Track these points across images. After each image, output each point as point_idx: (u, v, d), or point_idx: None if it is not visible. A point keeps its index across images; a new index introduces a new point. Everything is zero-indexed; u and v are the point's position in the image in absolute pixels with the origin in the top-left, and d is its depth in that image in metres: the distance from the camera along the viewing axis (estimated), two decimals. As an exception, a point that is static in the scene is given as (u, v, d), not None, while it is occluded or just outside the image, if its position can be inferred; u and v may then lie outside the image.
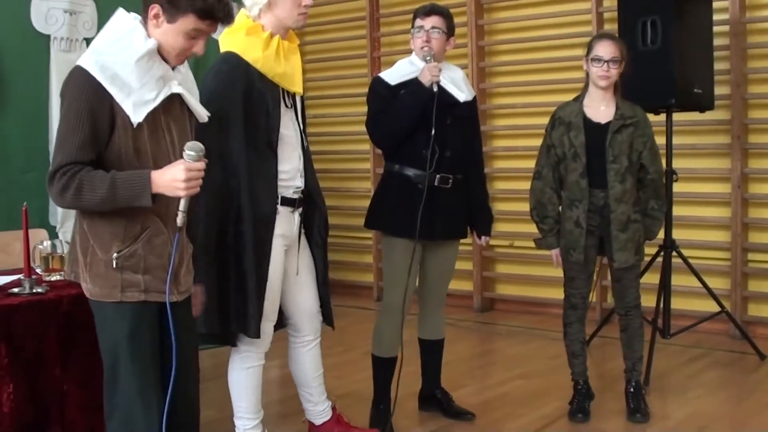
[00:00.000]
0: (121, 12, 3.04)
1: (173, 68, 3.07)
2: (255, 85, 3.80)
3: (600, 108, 4.70)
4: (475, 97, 4.81)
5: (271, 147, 3.84)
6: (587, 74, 4.75)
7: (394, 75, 4.62)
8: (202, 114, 3.24)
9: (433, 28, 4.56)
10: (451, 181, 4.60)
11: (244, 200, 3.77)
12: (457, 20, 7.69)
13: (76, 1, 6.10)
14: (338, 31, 8.71)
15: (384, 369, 4.69)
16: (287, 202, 3.93)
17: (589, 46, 4.75)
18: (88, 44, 5.79)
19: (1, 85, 5.81)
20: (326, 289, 4.24)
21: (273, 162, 3.85)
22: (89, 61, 2.91)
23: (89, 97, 2.86)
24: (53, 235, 5.68)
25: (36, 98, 5.94)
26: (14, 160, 5.81)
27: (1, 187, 5.81)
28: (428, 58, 4.51)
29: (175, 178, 2.86)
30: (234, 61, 3.81)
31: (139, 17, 3.01)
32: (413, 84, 4.48)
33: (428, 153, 4.48)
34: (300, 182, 4.00)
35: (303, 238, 4.11)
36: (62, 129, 2.88)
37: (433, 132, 4.45)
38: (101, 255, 2.96)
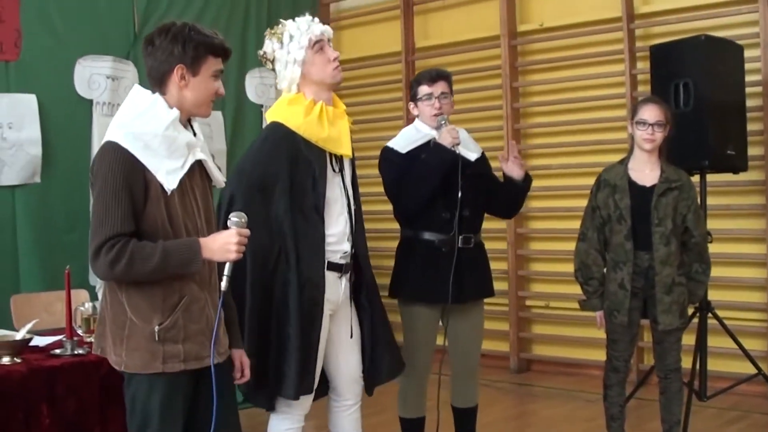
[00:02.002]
0: (137, 87, 3.16)
1: (193, 134, 3.17)
2: (301, 152, 3.87)
3: (645, 171, 4.75)
4: (483, 153, 4.84)
5: (318, 211, 3.90)
6: (632, 137, 4.81)
7: (402, 143, 4.67)
8: (220, 179, 3.33)
9: (442, 94, 4.63)
10: (472, 240, 4.63)
11: (290, 264, 3.81)
12: (492, 83, 7.94)
13: (118, 66, 6.27)
14: (375, 94, 8.83)
15: (412, 430, 4.71)
16: (333, 267, 3.96)
17: (635, 110, 4.82)
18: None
19: (46, 149, 5.96)
20: (382, 350, 4.19)
21: (320, 226, 3.90)
22: (119, 134, 2.99)
23: (124, 169, 2.93)
24: (93, 295, 5.76)
25: (79, 161, 6.08)
26: (57, 221, 5.97)
27: (45, 248, 5.96)
28: (443, 122, 4.57)
29: (228, 242, 2.98)
30: (278, 129, 3.90)
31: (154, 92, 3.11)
32: (435, 147, 4.52)
33: (452, 215, 4.52)
34: (347, 246, 4.03)
35: (351, 302, 4.13)
36: (101, 204, 2.94)
37: (459, 194, 4.49)
38: (141, 328, 2.99)
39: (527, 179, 4.75)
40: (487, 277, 4.81)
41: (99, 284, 6.02)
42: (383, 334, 4.24)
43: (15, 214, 5.99)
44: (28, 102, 5.98)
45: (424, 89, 4.65)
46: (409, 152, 4.61)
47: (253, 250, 3.42)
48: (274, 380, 3.82)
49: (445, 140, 4.50)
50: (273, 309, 3.83)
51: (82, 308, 4.24)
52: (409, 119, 8.41)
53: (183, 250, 2.96)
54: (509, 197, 4.82)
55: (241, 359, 3.38)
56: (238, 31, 7.37)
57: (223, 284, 3.00)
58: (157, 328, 2.98)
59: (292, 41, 3.95)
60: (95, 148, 6.09)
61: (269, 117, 4.03)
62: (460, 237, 4.56)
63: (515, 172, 4.66)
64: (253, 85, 7.45)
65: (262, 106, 7.40)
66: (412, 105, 4.74)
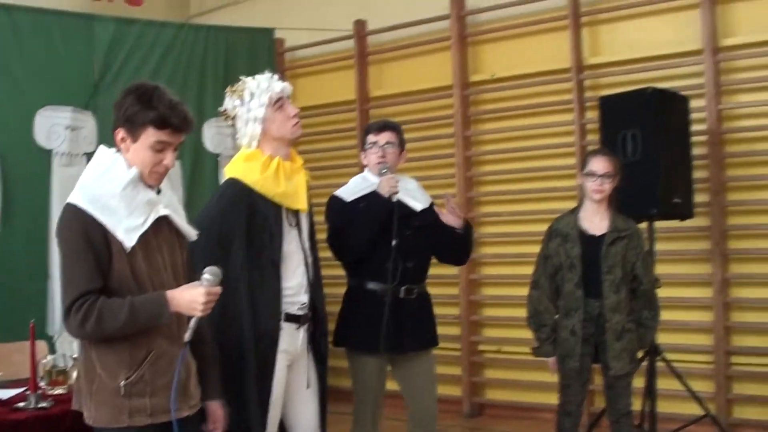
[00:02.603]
0: (102, 148, 3.23)
1: (157, 191, 3.23)
2: (257, 207, 3.97)
3: (595, 221, 4.91)
4: (432, 204, 4.92)
5: (275, 265, 3.99)
6: (582, 188, 4.96)
7: (348, 191, 4.78)
8: (191, 233, 3.39)
9: (387, 143, 4.75)
10: (415, 291, 4.72)
11: (245, 318, 3.89)
12: (444, 131, 8.06)
13: (78, 116, 6.35)
14: (330, 141, 8.92)
15: None
16: (291, 318, 4.05)
17: (584, 161, 5.00)
18: (88, 158, 6.09)
19: (5, 199, 6.00)
20: (324, 405, 4.30)
21: (276, 280, 3.99)
22: (78, 196, 3.07)
23: (85, 230, 3.01)
24: (51, 346, 5.78)
25: (39, 212, 6.15)
26: (17, 270, 5.99)
27: (3, 297, 5.97)
28: (384, 170, 4.66)
29: (195, 299, 3.04)
30: (235, 185, 4.00)
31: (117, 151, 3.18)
32: (372, 196, 4.62)
33: (395, 265, 4.60)
34: (305, 298, 4.12)
35: (309, 353, 4.21)
36: (67, 265, 3.03)
37: (394, 243, 4.58)
38: (108, 383, 3.05)
39: (467, 227, 4.84)
40: (429, 328, 4.88)
41: (57, 334, 6.06)
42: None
43: (-25, 264, 6.01)
44: (-12, 153, 6.04)
45: (370, 138, 4.79)
46: (353, 201, 4.71)
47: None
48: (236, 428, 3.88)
49: (383, 189, 4.60)
50: (230, 363, 3.84)
51: (44, 361, 4.26)
52: (362, 167, 8.58)
53: (150, 304, 3.03)
54: (453, 245, 4.91)
55: (216, 411, 3.43)
56: (196, 80, 7.46)
57: (186, 336, 3.07)
58: (123, 383, 3.03)
59: (253, 99, 4.05)
60: (55, 198, 6.18)
61: (227, 173, 4.12)
62: (402, 288, 4.66)
63: (452, 221, 4.75)
64: (210, 135, 7.54)
65: (218, 155, 7.49)
66: (362, 154, 4.86)
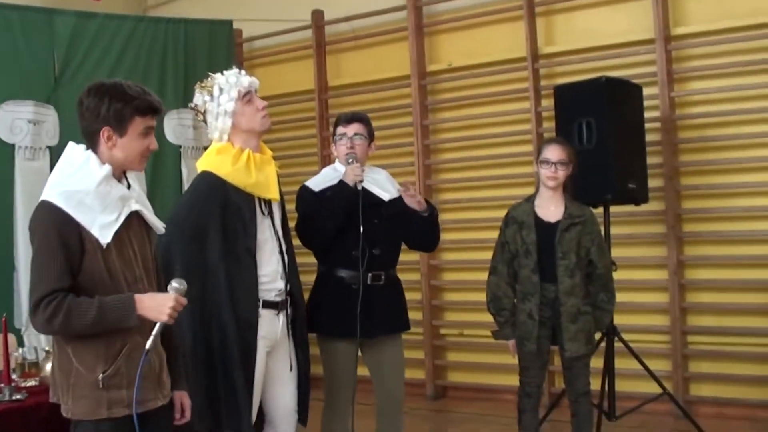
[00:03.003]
0: (72, 145, 3.30)
1: (128, 186, 3.32)
2: (230, 198, 4.08)
3: (550, 208, 5.04)
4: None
5: (250, 254, 4.10)
6: (537, 175, 5.08)
7: (318, 181, 4.88)
8: (159, 226, 3.48)
9: (355, 134, 4.85)
10: (383, 277, 4.82)
11: (225, 307, 4.00)
12: (403, 120, 8.16)
13: (39, 111, 6.38)
14: (289, 131, 8.98)
15: None
16: (269, 305, 4.18)
17: (539, 150, 5.12)
18: (51, 152, 6.17)
19: (-33, 193, 6.05)
20: (307, 387, 4.43)
21: (252, 268, 4.11)
22: (53, 194, 3.14)
23: (59, 227, 3.09)
24: (20, 338, 5.83)
25: (2, 205, 6.18)
26: (-20, 265, 6.02)
27: (-31, 290, 6.01)
28: (351, 160, 4.76)
29: (164, 304, 3.14)
30: (208, 178, 4.11)
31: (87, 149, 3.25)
32: (339, 184, 4.73)
33: (359, 253, 4.71)
34: (281, 284, 4.25)
35: (289, 337, 4.33)
36: (38, 262, 3.10)
37: (361, 230, 4.68)
38: (86, 376, 3.13)
39: (431, 210, 4.94)
40: (399, 313, 4.99)
41: (24, 327, 6.11)
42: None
43: (-61, 257, 6.05)
44: (-49, 147, 6.08)
45: (339, 129, 4.89)
46: (321, 190, 4.80)
47: (190, 297, 3.62)
48: (227, 418, 3.99)
49: (348, 178, 4.71)
50: (215, 353, 4.00)
51: (15, 354, 4.33)
52: (323, 155, 8.68)
53: (118, 306, 3.10)
54: (422, 232, 5.01)
55: (182, 400, 3.52)
56: (156, 72, 7.51)
57: (149, 343, 3.13)
58: (101, 376, 3.12)
59: (222, 94, 4.18)
60: (18, 192, 6.22)
61: (199, 166, 4.24)
62: (369, 274, 4.75)
63: (414, 205, 4.85)
64: (171, 126, 7.59)
65: (180, 146, 7.54)
66: (332, 146, 4.97)
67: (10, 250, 6.18)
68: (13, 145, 6.29)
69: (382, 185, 4.94)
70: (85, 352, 3.13)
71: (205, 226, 4.04)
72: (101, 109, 3.18)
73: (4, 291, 6.21)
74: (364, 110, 5.00)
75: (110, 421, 3.13)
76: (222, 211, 4.07)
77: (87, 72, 6.80)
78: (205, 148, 7.26)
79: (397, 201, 4.95)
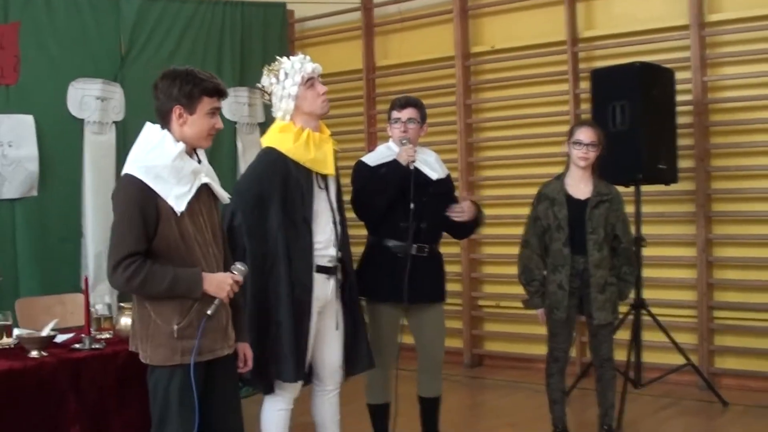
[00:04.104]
0: (148, 125, 3.69)
1: (198, 161, 3.72)
2: (291, 173, 4.47)
3: (580, 186, 5.36)
4: (448, 175, 5.38)
5: (307, 222, 4.50)
6: (568, 156, 5.41)
7: (373, 158, 5.24)
8: (225, 196, 3.90)
9: (409, 119, 5.18)
10: (427, 250, 5.17)
11: (282, 269, 4.40)
12: (446, 100, 8.49)
13: (107, 88, 6.76)
14: (338, 108, 9.22)
15: (378, 414, 5.27)
16: (322, 269, 4.56)
17: (571, 132, 5.43)
18: (116, 127, 6.56)
19: (42, 164, 6.44)
20: (360, 344, 4.81)
21: (308, 235, 4.50)
22: (134, 168, 3.55)
23: (139, 198, 3.50)
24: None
25: (72, 176, 6.55)
26: (52, 230, 6.41)
27: (41, 255, 6.42)
28: (404, 141, 5.11)
29: (225, 283, 3.60)
30: (271, 153, 4.51)
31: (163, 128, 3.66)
32: (392, 164, 5.08)
33: (409, 226, 5.06)
34: (333, 251, 4.63)
35: (338, 300, 4.72)
36: (120, 227, 3.51)
37: (412, 206, 5.03)
38: (163, 327, 3.54)
39: (478, 218, 5.29)
40: (438, 284, 5.32)
41: (91, 289, 6.52)
42: (363, 331, 4.87)
43: (15, 224, 6.47)
44: (27, 122, 6.47)
45: (394, 114, 5.23)
46: (376, 166, 5.17)
47: (252, 257, 4.04)
48: (274, 366, 4.41)
49: (401, 158, 5.07)
50: (270, 306, 4.40)
51: (92, 309, 4.76)
52: (369, 132, 9.03)
53: (188, 280, 3.53)
54: (461, 230, 5.39)
55: (245, 351, 3.94)
56: (214, 53, 7.80)
57: (210, 311, 3.56)
58: (176, 327, 3.54)
59: (287, 78, 4.55)
60: (87, 164, 6.61)
61: (264, 142, 4.63)
62: (415, 246, 5.11)
63: (459, 218, 5.18)
64: (227, 104, 7.88)
65: (235, 123, 7.86)
66: (388, 127, 5.31)
67: (78, 218, 6.55)
68: (82, 120, 6.59)
69: (432, 166, 5.28)
70: (162, 307, 3.54)
71: (267, 196, 4.42)
72: (173, 90, 3.57)
73: (73, 257, 6.59)
74: (410, 90, 5.34)
75: (183, 367, 3.54)
76: (283, 183, 4.45)
77: (151, 52, 7.15)
78: (259, 125, 7.74)
79: (444, 181, 5.31)
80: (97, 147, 6.67)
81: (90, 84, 6.71)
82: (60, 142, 6.53)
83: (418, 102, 5.29)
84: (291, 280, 4.42)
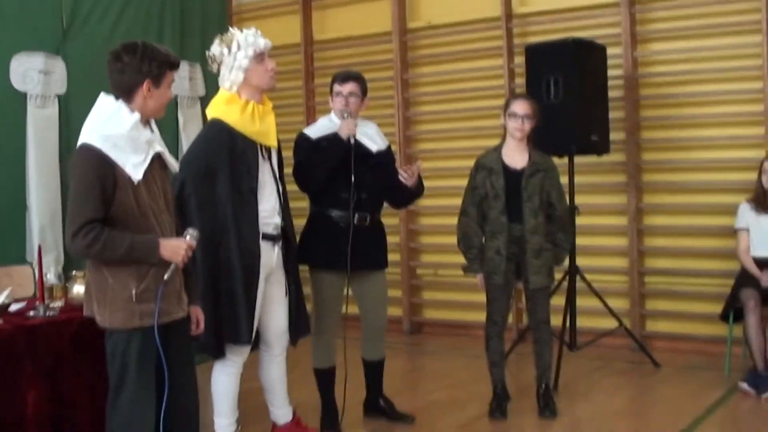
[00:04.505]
0: (103, 96, 3.79)
1: (151, 130, 3.85)
2: (238, 144, 4.61)
3: (516, 156, 5.54)
4: (389, 146, 5.57)
5: (253, 192, 4.64)
6: (504, 127, 5.58)
7: (314, 130, 5.39)
8: (175, 165, 4.02)
9: (350, 93, 5.34)
10: (368, 218, 5.35)
11: (232, 238, 4.54)
12: (384, 74, 8.62)
13: (49, 61, 6.75)
14: (277, 82, 9.37)
15: (324, 378, 5.44)
16: (267, 237, 4.72)
17: (506, 104, 5.61)
18: (59, 100, 6.57)
19: (-16, 138, 6.45)
20: (299, 312, 4.99)
21: (254, 205, 4.64)
22: (92, 137, 3.66)
23: (97, 166, 3.60)
24: (32, 270, 6.27)
25: (15, 148, 6.54)
26: (-3, 204, 6.44)
27: (-15, 228, 6.43)
28: (345, 115, 5.27)
29: (180, 248, 3.72)
30: (219, 125, 4.64)
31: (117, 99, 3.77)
32: (333, 137, 5.23)
33: (350, 197, 5.22)
34: (278, 220, 4.80)
35: (282, 267, 4.88)
36: (77, 195, 3.61)
37: (353, 180, 5.19)
38: (121, 292, 3.66)
39: (419, 186, 5.48)
40: (379, 252, 5.51)
41: (35, 261, 6.56)
42: (302, 298, 5.05)
43: (-44, 195, 6.42)
44: (-31, 96, 6.44)
45: (336, 87, 5.38)
46: (317, 139, 5.31)
47: (202, 227, 4.18)
48: (228, 331, 4.56)
49: (342, 132, 5.22)
50: (221, 274, 4.55)
51: (44, 278, 4.84)
52: (308, 106, 9.14)
53: (145, 246, 3.65)
54: (402, 196, 5.56)
55: (197, 314, 4.08)
56: (155, 26, 7.82)
57: (166, 276, 3.69)
58: (134, 291, 3.66)
59: (240, 50, 4.67)
60: (30, 137, 6.62)
61: (209, 113, 4.75)
62: (356, 215, 5.28)
63: (405, 180, 5.36)
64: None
65: (176, 96, 7.84)
66: (329, 99, 5.44)
67: (23, 191, 6.56)
68: (25, 94, 6.59)
69: (372, 138, 5.44)
70: (120, 272, 3.66)
71: (216, 167, 4.55)
72: (143, 65, 3.68)
73: (18, 230, 6.60)
74: (348, 64, 5.47)
75: (141, 330, 3.68)
76: (230, 154, 4.58)
77: (93, 26, 7.12)
78: (200, 98, 7.80)
79: (384, 153, 5.48)
80: (40, 120, 6.68)
81: (32, 57, 6.68)
82: (3, 115, 6.50)
83: (359, 76, 5.43)
84: (240, 249, 4.56)
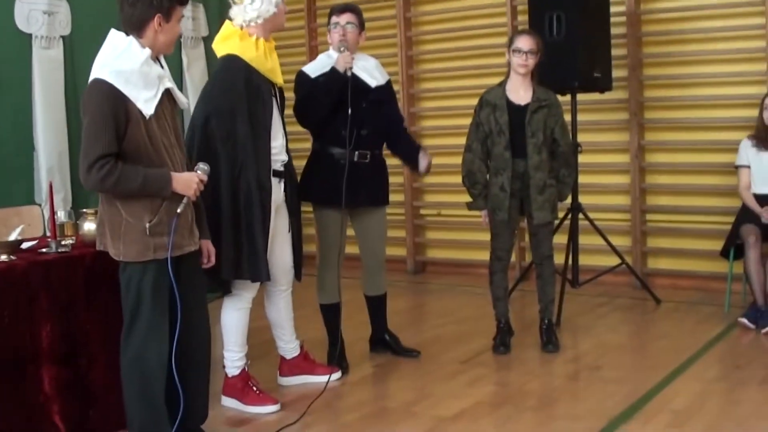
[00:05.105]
0: (113, 32, 3.84)
1: (161, 66, 3.90)
2: (253, 80, 4.64)
3: (520, 92, 5.57)
4: (388, 81, 5.56)
5: (266, 129, 4.68)
6: (509, 63, 5.60)
7: (314, 68, 5.38)
8: (184, 102, 4.08)
9: (347, 23, 5.33)
10: (368, 156, 5.38)
11: (251, 173, 4.58)
12: (386, 13, 8.63)
13: (53, 2, 6.77)
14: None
15: (330, 313, 5.50)
16: (276, 173, 4.77)
17: (511, 40, 5.63)
18: (64, 41, 6.58)
19: (-8, 78, 6.47)
20: (300, 249, 5.10)
21: (268, 141, 4.69)
22: (104, 72, 3.70)
23: (110, 101, 3.65)
24: (41, 210, 6.34)
25: (21, 90, 6.55)
26: (5, 145, 6.46)
27: (-6, 170, 6.48)
28: (342, 48, 5.26)
29: (192, 181, 3.81)
30: (236, 61, 4.65)
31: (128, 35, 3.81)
32: (330, 71, 5.22)
33: (347, 133, 5.22)
34: (285, 156, 4.86)
35: (284, 204, 4.93)
36: (92, 129, 3.65)
37: (350, 113, 5.19)
38: (135, 225, 3.74)
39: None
40: (379, 189, 5.54)
41: (43, 202, 6.61)
42: (302, 234, 5.15)
43: (-36, 136, 6.47)
44: (-27, 38, 6.45)
45: (333, 19, 5.38)
46: (316, 76, 5.31)
47: (226, 158, 4.22)
48: (247, 267, 4.61)
49: (338, 65, 5.22)
50: (242, 210, 4.58)
51: (55, 216, 4.89)
52: (311, 46, 9.15)
53: (158, 179, 3.72)
54: (399, 142, 5.64)
55: (208, 248, 4.17)
56: None
57: (179, 209, 3.79)
58: (147, 224, 3.74)
59: None
60: (36, 78, 6.64)
61: (222, 49, 4.74)
62: (356, 152, 5.31)
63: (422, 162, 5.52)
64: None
65: (180, 36, 7.82)
66: (327, 34, 5.44)
67: (30, 132, 6.60)
68: (30, 35, 6.61)
69: (371, 72, 5.44)
70: (133, 206, 3.73)
71: (237, 102, 4.58)
72: (152, 2, 3.73)
73: (26, 171, 6.65)
74: (331, 7, 5.47)
75: (155, 262, 3.77)
76: (247, 90, 4.61)
77: (97, -34, 7.15)
78: (203, 39, 7.81)
79: (384, 88, 5.48)
80: (46, 61, 6.69)
81: (36, -2, 6.70)
82: (8, 57, 6.51)
83: (356, 7, 5.43)
84: (258, 184, 4.61)
